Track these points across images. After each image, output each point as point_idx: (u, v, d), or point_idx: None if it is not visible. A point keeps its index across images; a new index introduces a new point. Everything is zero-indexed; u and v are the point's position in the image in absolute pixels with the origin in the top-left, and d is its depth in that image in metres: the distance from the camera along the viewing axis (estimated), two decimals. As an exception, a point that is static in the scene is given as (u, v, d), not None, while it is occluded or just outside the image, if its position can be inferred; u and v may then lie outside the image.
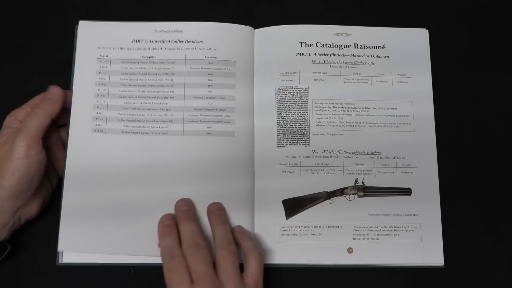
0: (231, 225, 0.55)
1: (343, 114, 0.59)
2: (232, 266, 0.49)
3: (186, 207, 0.54)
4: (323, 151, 0.58)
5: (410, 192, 0.57)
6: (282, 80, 0.60)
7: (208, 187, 0.56)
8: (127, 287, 0.56)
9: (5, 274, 0.56)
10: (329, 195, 0.57)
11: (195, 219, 0.54)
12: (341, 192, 0.57)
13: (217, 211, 0.55)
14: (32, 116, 0.52)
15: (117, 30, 0.60)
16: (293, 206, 0.57)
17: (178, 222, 0.53)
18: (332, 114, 0.59)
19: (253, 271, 0.50)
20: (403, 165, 0.58)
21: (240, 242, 0.52)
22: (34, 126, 0.51)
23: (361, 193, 0.57)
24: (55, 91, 0.54)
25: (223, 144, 0.57)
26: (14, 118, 0.54)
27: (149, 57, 0.60)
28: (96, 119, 0.57)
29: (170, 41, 0.60)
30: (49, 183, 0.56)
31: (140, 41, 0.60)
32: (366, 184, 0.58)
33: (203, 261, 0.49)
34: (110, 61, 0.59)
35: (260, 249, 0.52)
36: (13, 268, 0.56)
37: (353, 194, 0.57)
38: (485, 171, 0.60)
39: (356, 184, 0.57)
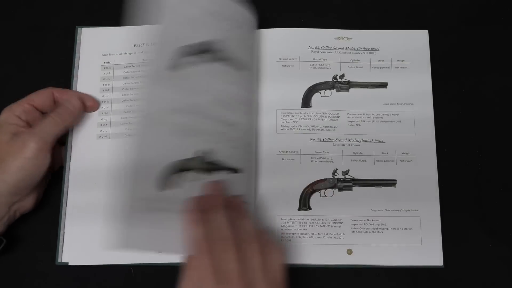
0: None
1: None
2: (259, 266, 0.44)
3: (219, 191, 0.50)
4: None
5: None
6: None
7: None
8: (127, 287, 0.56)
9: (6, 274, 0.56)
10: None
11: (224, 206, 0.47)
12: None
13: (240, 204, 0.50)
14: (50, 123, 0.53)
15: (119, 35, 0.61)
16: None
17: (207, 209, 0.47)
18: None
19: (275, 267, 0.45)
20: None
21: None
22: (50, 133, 0.53)
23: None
24: (77, 105, 0.56)
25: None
26: (11, 113, 0.54)
27: None
28: (101, 125, 0.58)
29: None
30: (44, 179, 0.56)
31: (142, 45, 0.61)
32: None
33: (234, 259, 0.43)
34: (113, 67, 0.60)
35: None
36: (14, 268, 0.57)
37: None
38: (485, 171, 0.60)
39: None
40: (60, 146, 0.57)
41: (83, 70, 0.60)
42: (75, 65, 0.60)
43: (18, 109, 0.54)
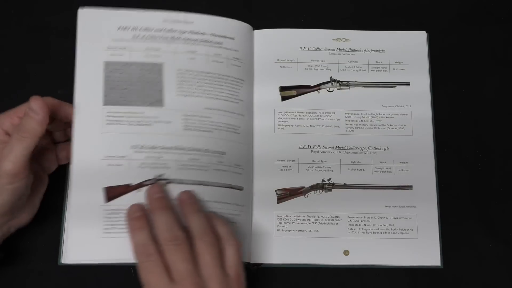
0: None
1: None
2: (213, 261, 0.45)
3: (159, 194, 0.49)
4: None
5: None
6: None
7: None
8: (127, 287, 0.56)
9: (8, 274, 0.56)
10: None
11: (171, 207, 0.48)
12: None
13: (189, 199, 0.49)
14: (18, 143, 0.47)
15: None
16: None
17: (151, 212, 0.48)
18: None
19: (232, 261, 0.46)
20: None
21: (215, 228, 0.47)
22: (20, 152, 0.46)
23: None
24: (37, 108, 0.47)
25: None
26: None
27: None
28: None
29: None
30: (41, 188, 0.53)
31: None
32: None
33: (184, 259, 0.44)
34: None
35: (237, 236, 0.48)
36: (16, 268, 0.56)
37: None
38: (485, 171, 0.60)
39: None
40: (53, 145, 0.54)
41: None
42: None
43: (6, 123, 0.49)
